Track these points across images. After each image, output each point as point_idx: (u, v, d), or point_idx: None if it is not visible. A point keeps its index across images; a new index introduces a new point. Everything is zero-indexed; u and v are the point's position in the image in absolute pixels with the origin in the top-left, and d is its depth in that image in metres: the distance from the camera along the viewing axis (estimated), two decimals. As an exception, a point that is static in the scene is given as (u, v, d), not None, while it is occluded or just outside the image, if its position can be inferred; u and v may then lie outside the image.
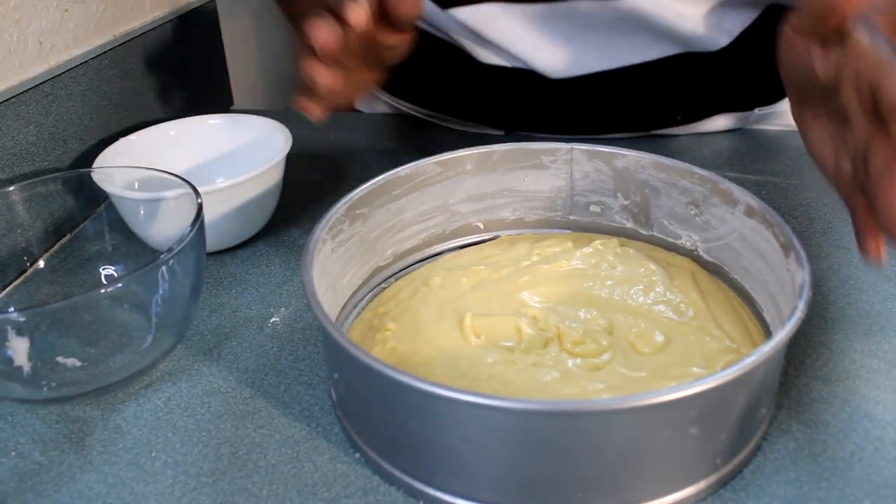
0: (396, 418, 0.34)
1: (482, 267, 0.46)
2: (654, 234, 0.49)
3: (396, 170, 0.45)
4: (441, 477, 0.34)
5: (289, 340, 0.46)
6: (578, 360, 0.39)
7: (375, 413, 0.35)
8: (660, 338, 0.41)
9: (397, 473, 0.36)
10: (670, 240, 0.49)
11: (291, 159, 0.55)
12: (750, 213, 0.43)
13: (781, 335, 0.33)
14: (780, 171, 0.64)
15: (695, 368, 0.39)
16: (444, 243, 0.50)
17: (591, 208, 0.50)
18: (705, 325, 0.42)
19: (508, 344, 0.41)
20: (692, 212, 0.47)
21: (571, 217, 0.51)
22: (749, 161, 0.66)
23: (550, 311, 0.43)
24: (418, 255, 0.49)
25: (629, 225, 0.50)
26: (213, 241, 0.53)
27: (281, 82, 1.43)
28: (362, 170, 0.67)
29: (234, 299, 0.50)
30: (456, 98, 0.71)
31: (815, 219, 0.56)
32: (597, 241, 0.48)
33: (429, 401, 0.32)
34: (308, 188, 0.64)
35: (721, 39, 0.63)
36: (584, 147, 0.48)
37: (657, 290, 0.44)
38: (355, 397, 0.36)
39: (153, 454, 0.39)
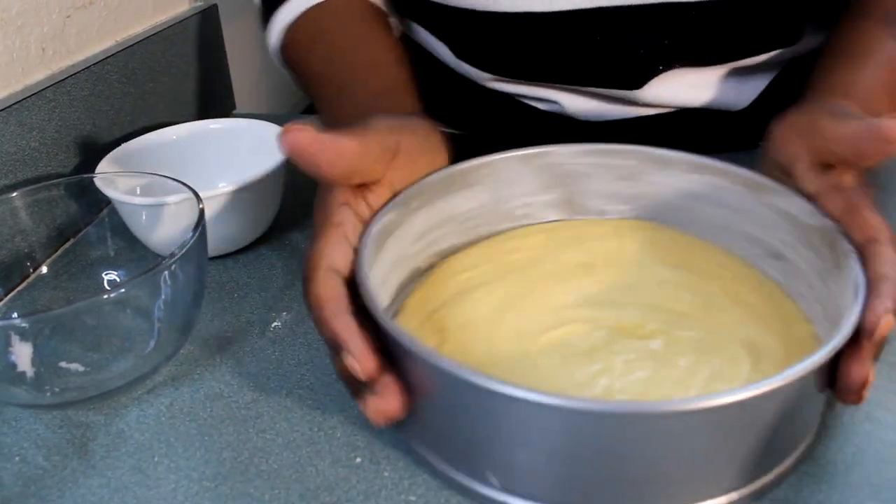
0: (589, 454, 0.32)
1: (477, 294, 0.44)
2: (582, 216, 0.50)
3: (370, 227, 0.41)
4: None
5: (290, 345, 0.46)
6: (656, 341, 0.40)
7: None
8: (687, 296, 0.42)
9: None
10: (599, 217, 0.50)
11: (293, 164, 0.55)
12: (692, 169, 0.45)
13: (857, 264, 0.36)
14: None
15: (737, 308, 0.41)
16: (403, 291, 0.46)
17: (517, 212, 0.49)
18: (703, 267, 0.44)
19: (584, 350, 0.39)
20: (624, 184, 0.48)
21: (501, 227, 0.49)
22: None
23: (590, 306, 0.42)
24: (391, 311, 0.44)
25: (553, 217, 0.50)
26: (214, 246, 0.53)
27: (283, 87, 1.43)
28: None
29: (236, 304, 0.51)
30: (465, 115, 0.70)
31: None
32: (541, 235, 0.48)
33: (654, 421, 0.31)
34: (310, 192, 0.63)
35: (741, 102, 0.63)
36: (504, 155, 0.47)
37: (640, 259, 0.46)
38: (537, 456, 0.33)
39: (156, 459, 0.39)
